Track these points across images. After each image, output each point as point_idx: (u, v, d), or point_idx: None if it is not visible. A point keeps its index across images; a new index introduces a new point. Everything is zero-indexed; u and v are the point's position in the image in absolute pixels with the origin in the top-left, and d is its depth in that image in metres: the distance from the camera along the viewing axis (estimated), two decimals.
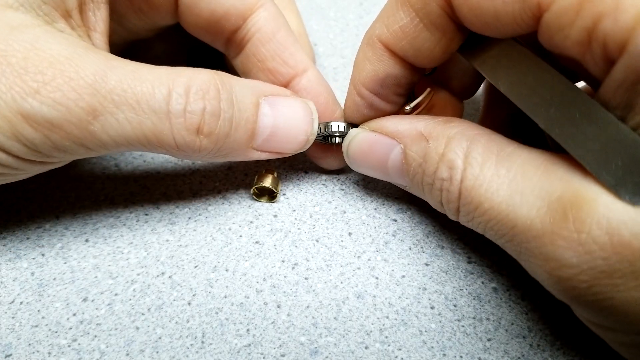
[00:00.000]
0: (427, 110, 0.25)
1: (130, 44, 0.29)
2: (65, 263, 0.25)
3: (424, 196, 0.23)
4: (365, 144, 0.24)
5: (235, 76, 0.23)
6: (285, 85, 0.26)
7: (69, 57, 0.19)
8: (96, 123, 0.20)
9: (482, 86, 0.28)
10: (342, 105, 0.27)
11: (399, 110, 0.25)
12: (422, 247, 0.26)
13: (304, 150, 0.25)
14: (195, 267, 0.25)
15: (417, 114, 0.25)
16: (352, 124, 0.26)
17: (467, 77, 0.26)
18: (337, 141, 0.26)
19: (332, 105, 0.26)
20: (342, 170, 0.29)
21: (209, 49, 0.29)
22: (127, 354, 0.22)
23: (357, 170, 0.26)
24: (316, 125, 0.25)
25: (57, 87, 0.19)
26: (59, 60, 0.19)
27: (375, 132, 0.24)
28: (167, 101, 0.21)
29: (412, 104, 0.24)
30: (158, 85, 0.21)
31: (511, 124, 0.26)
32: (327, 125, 0.25)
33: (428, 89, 0.25)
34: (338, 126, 0.25)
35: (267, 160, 0.29)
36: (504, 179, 0.19)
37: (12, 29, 0.19)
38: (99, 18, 0.23)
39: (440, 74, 0.26)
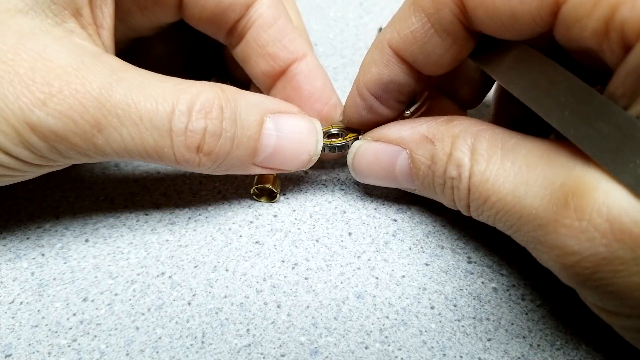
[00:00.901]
0: (427, 114, 0.25)
1: (131, 43, 0.29)
2: (65, 263, 0.25)
3: (435, 197, 0.23)
4: (370, 154, 0.24)
5: (243, 90, 0.23)
6: (284, 69, 0.26)
7: (76, 68, 0.20)
8: (100, 136, 0.20)
9: (491, 93, 0.28)
10: (341, 99, 0.27)
11: (398, 116, 0.25)
12: (422, 247, 0.26)
13: (306, 168, 0.26)
14: (195, 267, 0.25)
15: (416, 117, 0.25)
16: (351, 133, 0.26)
17: (472, 86, 0.26)
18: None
19: (328, 92, 0.27)
20: (342, 171, 0.29)
21: (209, 49, 0.29)
22: (127, 354, 0.22)
23: (364, 181, 0.26)
24: (320, 146, 0.25)
25: (63, 100, 0.19)
26: (67, 71, 0.19)
27: (378, 141, 0.24)
28: (169, 119, 0.21)
29: (412, 109, 0.24)
30: (162, 102, 0.21)
31: (520, 130, 0.26)
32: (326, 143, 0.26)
33: (426, 93, 0.25)
34: (339, 143, 0.26)
35: None
36: (509, 171, 0.19)
37: (21, 37, 0.19)
38: (106, 14, 0.23)
39: (446, 83, 0.26)
